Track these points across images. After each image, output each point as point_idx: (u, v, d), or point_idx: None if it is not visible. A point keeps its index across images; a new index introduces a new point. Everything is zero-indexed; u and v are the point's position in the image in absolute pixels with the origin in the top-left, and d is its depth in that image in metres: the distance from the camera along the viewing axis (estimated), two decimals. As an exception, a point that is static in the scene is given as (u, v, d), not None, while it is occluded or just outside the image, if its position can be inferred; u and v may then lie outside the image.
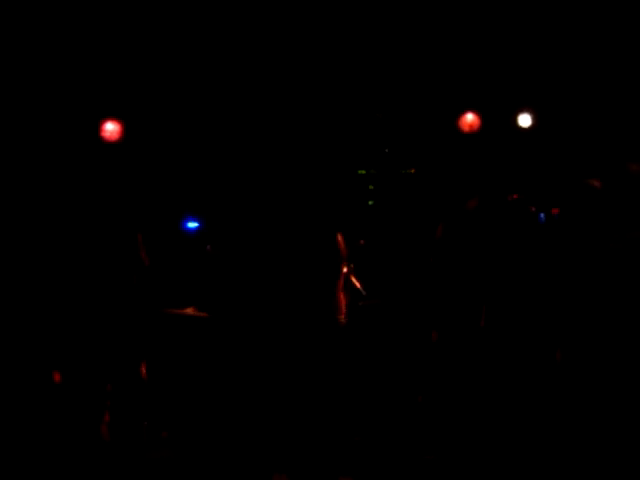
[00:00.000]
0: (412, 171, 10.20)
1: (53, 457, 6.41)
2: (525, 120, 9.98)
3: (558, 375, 5.79)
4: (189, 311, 8.26)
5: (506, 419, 6.20)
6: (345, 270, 8.35)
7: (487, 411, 6.30)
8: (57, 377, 6.85)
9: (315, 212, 8.43)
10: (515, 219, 6.43)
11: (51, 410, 6.78)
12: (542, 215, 7.70)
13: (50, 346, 7.11)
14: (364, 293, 8.50)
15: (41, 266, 7.68)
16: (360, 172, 10.28)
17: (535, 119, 9.99)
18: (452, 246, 6.40)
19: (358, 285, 8.54)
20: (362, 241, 9.00)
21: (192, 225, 9.21)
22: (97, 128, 9.62)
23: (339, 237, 7.28)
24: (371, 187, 10.35)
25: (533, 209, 6.98)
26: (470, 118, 9.97)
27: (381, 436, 7.00)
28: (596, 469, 5.49)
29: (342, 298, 7.54)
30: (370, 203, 10.22)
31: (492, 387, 6.32)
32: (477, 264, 6.30)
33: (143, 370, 6.97)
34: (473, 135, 9.95)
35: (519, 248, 6.22)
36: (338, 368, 7.50)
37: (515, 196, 7.13)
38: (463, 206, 6.49)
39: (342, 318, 7.50)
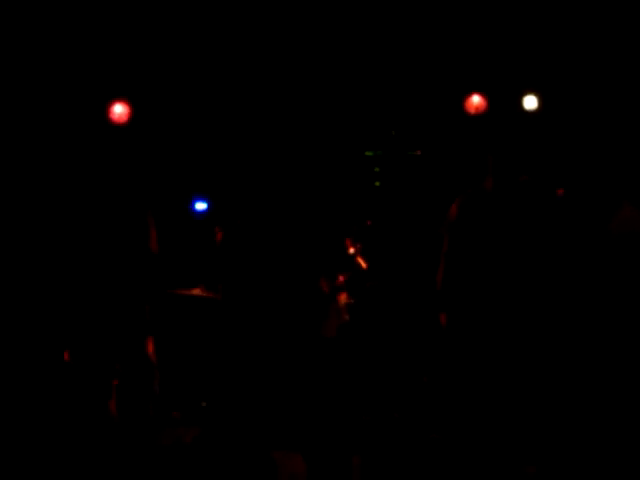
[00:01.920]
0: (418, 153, 10.23)
1: (61, 439, 6.47)
2: (531, 102, 10.00)
3: (563, 361, 5.81)
4: (196, 292, 8.31)
5: (509, 404, 6.22)
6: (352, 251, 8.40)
7: (492, 394, 6.32)
8: (67, 356, 6.89)
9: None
10: (533, 201, 6.43)
11: (60, 390, 6.83)
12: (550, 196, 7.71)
13: (59, 326, 7.15)
14: (371, 273, 8.55)
15: (49, 248, 7.71)
16: (367, 153, 10.31)
17: (541, 101, 10.00)
18: (469, 227, 6.39)
19: (365, 265, 8.59)
20: (369, 222, 9.04)
21: (201, 207, 9.26)
22: (105, 110, 9.63)
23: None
24: (377, 169, 10.38)
25: (548, 191, 6.98)
26: (476, 100, 9.98)
27: (388, 415, 7.05)
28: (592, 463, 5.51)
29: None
30: (377, 184, 10.26)
31: (499, 370, 6.33)
32: (495, 246, 6.30)
33: (150, 349, 7.01)
34: (479, 117, 9.97)
35: (537, 232, 6.22)
36: (345, 350, 7.54)
37: (524, 177, 7.13)
38: (479, 187, 6.48)
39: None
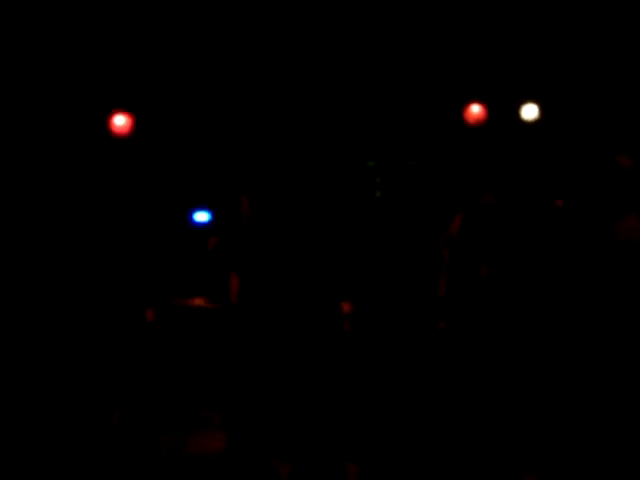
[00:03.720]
0: (417, 163, 10.24)
1: (62, 447, 6.47)
2: (531, 111, 10.01)
3: (559, 367, 5.81)
4: (197, 302, 8.32)
5: (508, 410, 6.22)
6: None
7: (490, 401, 6.33)
8: (67, 370, 6.92)
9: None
10: (537, 214, 6.46)
11: (62, 398, 6.85)
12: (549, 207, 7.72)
13: (59, 337, 7.17)
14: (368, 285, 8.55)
15: (49, 257, 7.73)
16: (369, 164, 10.32)
17: (541, 110, 10.01)
18: (472, 240, 6.43)
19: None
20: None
21: (202, 218, 9.26)
22: (106, 122, 9.63)
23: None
24: (378, 180, 10.39)
25: (548, 202, 7.00)
26: (475, 110, 9.99)
27: (381, 424, 7.04)
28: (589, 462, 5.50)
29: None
30: (377, 195, 10.27)
31: (498, 378, 6.34)
32: (498, 259, 6.33)
33: (149, 361, 7.04)
34: (478, 126, 9.98)
35: (541, 244, 6.24)
36: (342, 360, 7.55)
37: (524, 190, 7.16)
38: (482, 199, 6.51)
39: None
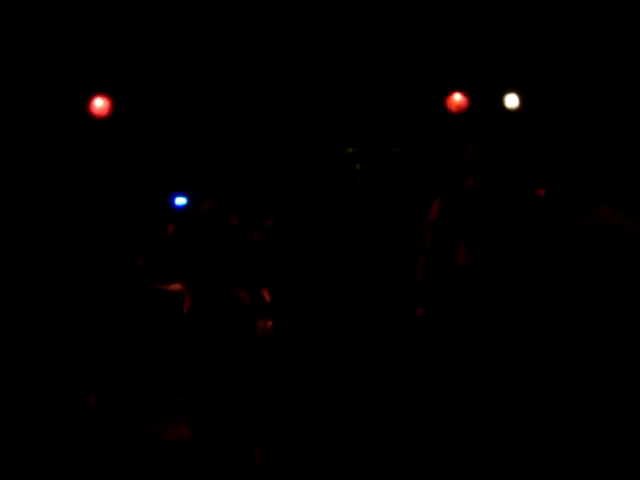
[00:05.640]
0: (399, 150, 10.24)
1: (41, 432, 6.46)
2: (512, 100, 10.02)
3: (542, 356, 5.83)
4: (175, 287, 8.28)
5: (485, 398, 6.25)
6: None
7: (468, 387, 6.35)
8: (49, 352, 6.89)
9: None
10: (513, 199, 6.49)
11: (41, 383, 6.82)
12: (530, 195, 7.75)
13: (39, 320, 7.14)
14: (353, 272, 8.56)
15: (28, 241, 7.70)
16: (348, 150, 10.32)
17: (522, 99, 10.03)
18: (448, 225, 6.46)
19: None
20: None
21: (180, 202, 9.21)
22: (86, 104, 9.58)
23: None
24: (358, 166, 10.40)
25: (527, 190, 7.03)
26: (458, 98, 10.00)
27: (364, 414, 7.05)
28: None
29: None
30: (357, 181, 10.28)
31: (479, 365, 6.37)
32: (475, 243, 6.36)
33: (129, 345, 7.02)
34: (460, 115, 9.99)
35: (517, 229, 6.27)
36: (326, 344, 7.55)
37: (501, 176, 7.18)
38: (459, 185, 6.54)
39: None
